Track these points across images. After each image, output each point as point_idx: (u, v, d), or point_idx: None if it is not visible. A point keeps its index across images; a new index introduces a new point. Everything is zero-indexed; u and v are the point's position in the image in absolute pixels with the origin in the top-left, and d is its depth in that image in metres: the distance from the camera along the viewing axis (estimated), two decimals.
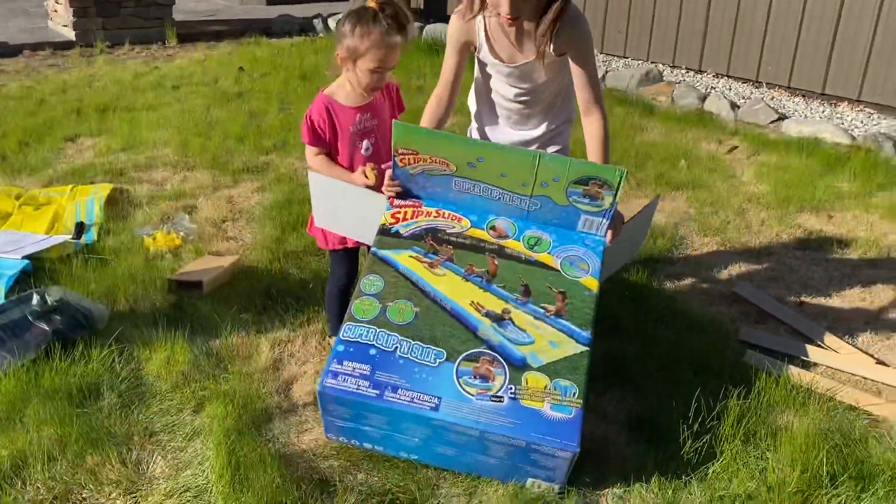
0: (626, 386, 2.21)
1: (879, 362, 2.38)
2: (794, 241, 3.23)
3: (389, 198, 2.06)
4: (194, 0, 9.81)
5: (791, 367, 2.29)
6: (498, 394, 1.75)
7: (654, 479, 1.83)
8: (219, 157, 4.08)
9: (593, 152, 2.10)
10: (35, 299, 2.34)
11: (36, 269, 2.79)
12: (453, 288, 1.92)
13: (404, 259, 1.96)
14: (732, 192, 3.72)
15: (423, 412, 1.71)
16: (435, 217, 2.05)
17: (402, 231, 2.02)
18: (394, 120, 2.03)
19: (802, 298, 2.77)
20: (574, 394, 1.76)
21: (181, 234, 3.09)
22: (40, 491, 1.79)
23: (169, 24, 7.45)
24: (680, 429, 1.96)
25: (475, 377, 1.77)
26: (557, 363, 1.81)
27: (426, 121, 2.19)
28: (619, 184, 1.90)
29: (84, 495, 1.80)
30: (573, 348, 1.83)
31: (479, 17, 2.10)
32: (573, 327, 1.85)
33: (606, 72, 6.14)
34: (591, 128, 2.12)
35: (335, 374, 1.76)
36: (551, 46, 2.03)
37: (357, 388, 1.74)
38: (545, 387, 1.77)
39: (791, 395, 2.13)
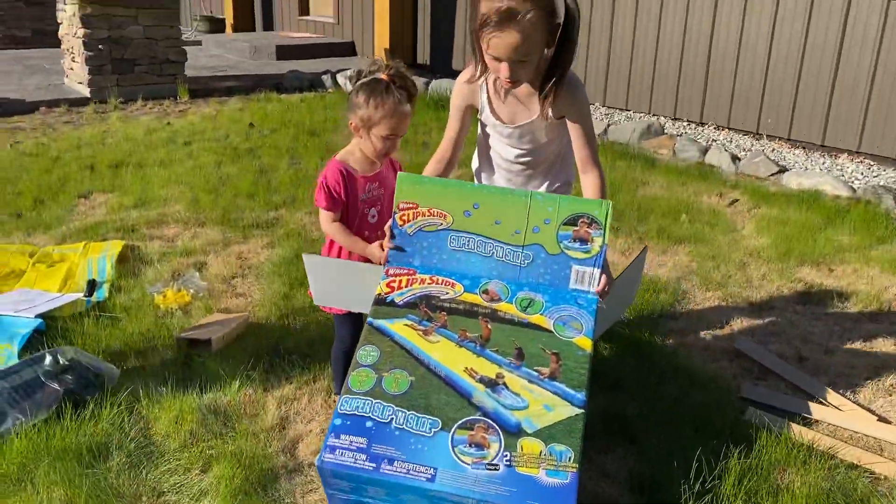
0: (627, 443, 2.23)
1: (881, 419, 2.40)
2: (794, 295, 3.27)
3: (385, 267, 2.09)
4: (206, 55, 10.06)
5: (792, 424, 2.31)
6: (493, 462, 1.76)
7: None
8: (229, 213, 4.17)
9: None
10: (48, 360, 2.40)
11: (49, 328, 2.84)
12: (447, 354, 1.94)
13: (399, 328, 1.99)
14: (733, 246, 3.77)
15: (420, 483, 1.72)
16: (429, 284, 2.08)
17: (396, 300, 2.04)
18: (399, 172, 2.11)
19: (802, 354, 2.79)
20: (569, 458, 1.77)
21: (191, 291, 3.16)
22: None
23: (181, 80, 7.65)
24: (681, 489, 1.98)
25: (470, 445, 1.77)
26: (552, 427, 1.81)
27: (428, 174, 2.26)
28: (607, 219, 1.97)
29: None
30: (568, 411, 1.83)
31: (482, 81, 2.19)
32: (567, 389, 1.87)
33: (608, 125, 6.26)
34: (589, 184, 2.19)
35: (333, 449, 1.77)
36: (551, 109, 2.11)
37: (354, 462, 1.75)
38: (540, 452, 1.77)
39: (792, 454, 2.14)
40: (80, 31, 7.14)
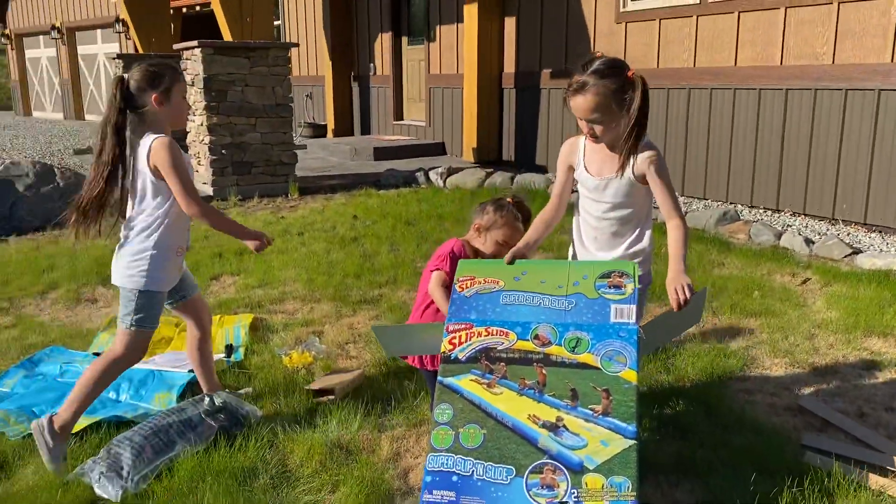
0: (695, 479, 2.54)
1: None
2: (860, 363, 3.50)
3: (445, 324, 2.44)
4: (312, 157, 11.04)
5: (846, 465, 2.57)
6: (564, 500, 2.06)
7: None
8: (339, 291, 4.73)
9: (672, 249, 2.51)
10: (206, 401, 2.93)
11: (198, 381, 3.39)
12: (511, 404, 2.23)
13: (466, 384, 2.30)
14: (803, 319, 4.03)
15: None
16: (485, 336, 2.38)
17: (459, 356, 2.36)
18: (460, 260, 2.59)
19: (864, 411, 3.03)
20: (628, 487, 2.04)
21: (313, 353, 3.67)
22: None
23: (292, 179, 8.51)
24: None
25: (542, 487, 2.07)
26: (610, 461, 2.08)
27: (538, 220, 2.74)
28: (635, 273, 2.37)
29: None
30: (622, 444, 2.10)
31: (581, 141, 2.70)
32: (619, 423, 2.13)
33: (686, 212, 6.62)
34: (672, 230, 2.55)
35: (428, 503, 2.12)
36: (632, 165, 2.55)
37: None
38: (602, 486, 2.05)
39: (843, 489, 2.40)
40: (207, 139, 8.12)
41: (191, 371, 3.45)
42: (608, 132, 2.54)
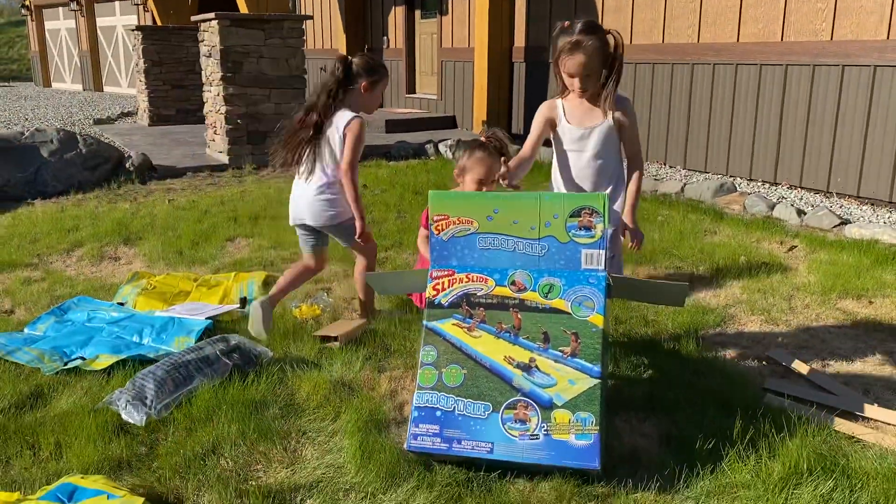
0: (662, 415, 2.80)
1: (882, 407, 2.85)
2: (831, 321, 3.73)
3: (430, 270, 2.67)
4: None
5: (803, 406, 2.81)
6: (534, 433, 2.32)
7: (674, 474, 2.40)
8: (348, 254, 4.98)
9: (630, 190, 3.03)
10: (222, 341, 3.21)
11: (214, 328, 3.68)
12: (489, 347, 2.46)
13: (448, 327, 2.52)
14: (783, 283, 4.26)
15: (482, 455, 2.34)
16: (466, 283, 2.60)
17: (442, 301, 2.59)
18: (430, 191, 2.74)
19: (827, 362, 3.27)
20: (592, 422, 2.29)
21: (321, 306, 3.95)
22: (229, 463, 2.56)
23: None
24: (697, 440, 2.53)
25: (516, 422, 2.33)
26: (577, 398, 2.32)
27: (513, 162, 3.02)
28: (605, 207, 2.51)
29: (258, 468, 2.55)
30: (588, 382, 2.33)
31: (559, 100, 3.06)
32: (586, 364, 2.36)
33: (685, 184, 6.82)
34: (631, 173, 3.05)
35: (415, 436, 2.40)
36: (611, 115, 2.94)
37: (432, 445, 2.38)
38: (569, 420, 2.30)
39: (795, 424, 2.65)
40: (223, 109, 8.38)
41: (208, 319, 3.74)
42: (591, 85, 2.91)
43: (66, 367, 3.25)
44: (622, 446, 2.63)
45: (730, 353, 3.38)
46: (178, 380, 2.99)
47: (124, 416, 2.84)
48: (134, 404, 2.85)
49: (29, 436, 2.74)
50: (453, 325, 2.53)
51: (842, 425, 2.69)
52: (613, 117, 2.96)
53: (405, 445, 2.42)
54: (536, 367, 2.40)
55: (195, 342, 3.48)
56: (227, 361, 3.13)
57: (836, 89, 6.29)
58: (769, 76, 6.83)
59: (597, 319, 2.46)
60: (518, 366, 2.41)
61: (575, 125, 3.02)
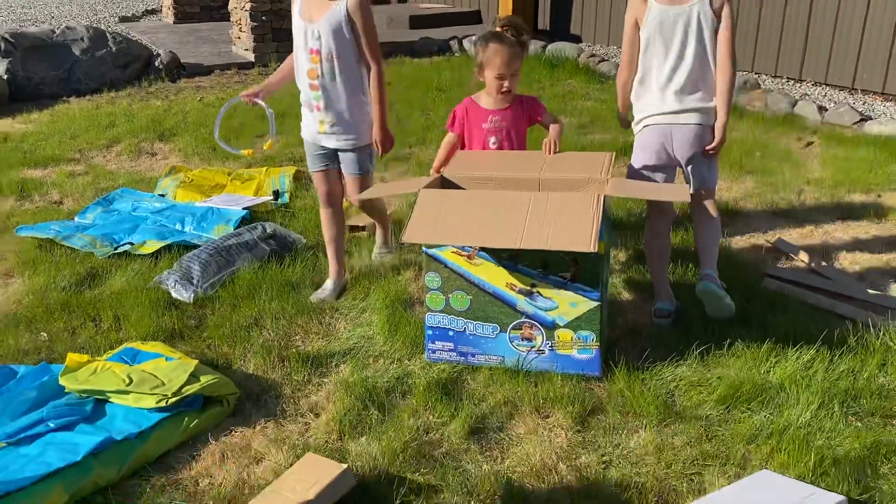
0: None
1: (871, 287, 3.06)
2: (837, 213, 3.88)
3: None
4: None
5: (797, 289, 3.02)
6: (540, 348, 2.53)
7: (673, 346, 2.65)
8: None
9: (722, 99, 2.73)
10: (259, 229, 3.47)
11: (250, 217, 3.93)
12: (490, 273, 2.50)
13: (448, 255, 2.52)
14: (795, 177, 4.38)
15: (495, 365, 2.55)
16: None
17: None
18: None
19: (828, 251, 3.45)
20: (593, 339, 2.47)
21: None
22: (270, 334, 2.85)
23: None
24: (695, 318, 2.77)
25: (522, 340, 2.52)
26: (578, 319, 2.47)
27: (618, 85, 2.91)
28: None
29: (297, 339, 2.84)
30: (588, 305, 2.46)
31: None
32: (586, 288, 2.46)
33: None
34: (726, 77, 2.70)
35: (433, 351, 2.63)
36: None
37: (449, 357, 2.60)
38: (571, 338, 2.48)
39: (787, 303, 2.87)
40: (248, 5, 8.38)
41: (244, 209, 3.98)
42: None
43: (116, 252, 3.54)
44: (626, 322, 2.88)
45: (735, 242, 3.56)
46: (221, 262, 3.26)
47: (174, 294, 3.13)
48: (182, 283, 3.13)
49: (90, 310, 3.05)
50: (452, 252, 2.54)
51: (831, 305, 2.90)
52: (712, 4, 2.62)
53: (424, 356, 2.62)
54: (538, 292, 2.50)
55: (234, 229, 3.73)
56: (265, 246, 3.39)
57: None
58: None
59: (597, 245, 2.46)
60: (520, 291, 2.51)
61: (666, 4, 2.68)
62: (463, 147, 3.07)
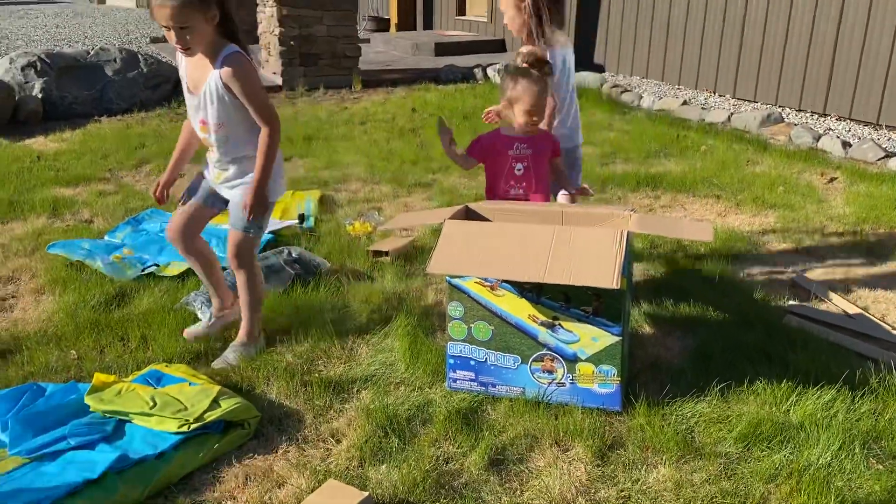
0: (684, 330, 3.03)
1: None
2: (860, 250, 3.87)
3: None
4: (374, 52, 11.37)
5: (819, 326, 3.02)
6: (561, 381, 2.54)
7: (693, 382, 2.66)
8: (397, 176, 5.24)
9: None
10: (285, 252, 3.53)
11: (276, 241, 4.00)
12: (512, 305, 2.51)
13: (471, 285, 2.54)
14: (818, 213, 4.38)
15: (516, 396, 2.57)
16: None
17: None
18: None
19: (851, 288, 3.45)
20: (614, 374, 2.48)
21: (372, 223, 4.22)
22: (296, 354, 2.90)
23: (356, 72, 8.92)
24: (715, 353, 2.77)
25: (543, 372, 2.54)
26: (599, 353, 2.49)
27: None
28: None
29: (319, 363, 2.88)
30: (609, 339, 2.47)
31: None
32: (608, 323, 2.47)
33: (732, 114, 6.84)
34: None
35: (454, 380, 2.65)
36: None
37: (470, 387, 2.63)
38: (593, 372, 2.50)
39: (807, 340, 2.86)
40: (277, 30, 8.54)
41: (270, 232, 4.05)
42: None
43: (143, 273, 3.61)
44: (646, 355, 2.89)
45: (757, 277, 3.57)
46: None
47: (200, 315, 3.18)
48: (209, 304, 3.19)
49: (118, 329, 3.11)
50: (476, 282, 2.56)
51: (853, 344, 2.89)
52: None
53: (445, 385, 2.65)
54: (560, 325, 2.52)
55: (259, 253, 3.79)
56: (290, 270, 3.44)
57: (894, 14, 6.18)
58: (825, 1, 6.71)
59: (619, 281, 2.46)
60: (542, 324, 2.53)
61: None
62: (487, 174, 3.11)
